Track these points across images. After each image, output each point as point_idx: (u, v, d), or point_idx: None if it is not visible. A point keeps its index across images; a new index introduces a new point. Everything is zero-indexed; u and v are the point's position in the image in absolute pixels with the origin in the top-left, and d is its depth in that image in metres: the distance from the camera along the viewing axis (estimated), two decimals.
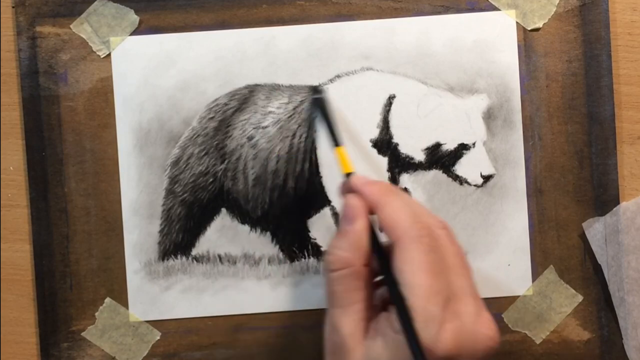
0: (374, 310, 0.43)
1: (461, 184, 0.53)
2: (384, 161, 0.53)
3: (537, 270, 0.53)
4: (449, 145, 0.53)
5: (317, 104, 0.52)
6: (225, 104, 0.53)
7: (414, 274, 0.40)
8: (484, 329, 0.41)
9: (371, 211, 0.44)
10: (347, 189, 0.45)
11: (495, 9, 0.53)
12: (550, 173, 0.53)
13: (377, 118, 0.53)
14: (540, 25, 0.53)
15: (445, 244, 0.43)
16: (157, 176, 0.53)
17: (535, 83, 0.53)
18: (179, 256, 0.53)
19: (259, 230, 0.53)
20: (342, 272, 0.42)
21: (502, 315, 0.53)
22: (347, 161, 0.47)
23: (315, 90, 0.53)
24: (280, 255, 0.53)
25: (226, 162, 0.53)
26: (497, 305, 0.53)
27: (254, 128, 0.53)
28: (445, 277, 0.41)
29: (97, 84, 0.53)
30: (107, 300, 0.53)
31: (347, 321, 0.42)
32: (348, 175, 0.46)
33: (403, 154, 0.53)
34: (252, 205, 0.53)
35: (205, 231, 0.53)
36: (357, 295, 0.42)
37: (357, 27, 0.53)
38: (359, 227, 0.43)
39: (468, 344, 0.40)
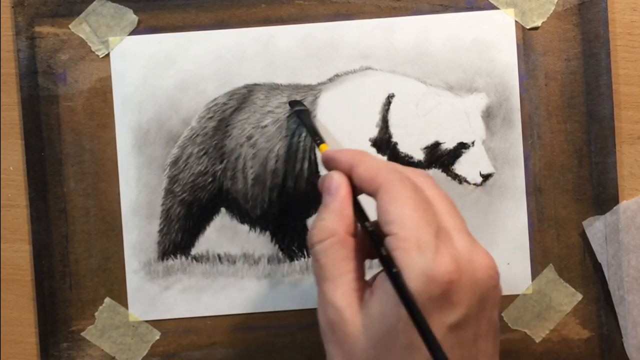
0: (366, 284, 0.41)
1: (460, 182, 0.53)
2: (383, 160, 0.53)
3: (536, 269, 0.53)
4: (448, 144, 0.53)
5: (299, 116, 0.52)
6: (224, 104, 0.53)
7: (402, 209, 0.39)
8: (481, 258, 0.39)
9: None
10: (326, 165, 0.44)
11: (494, 7, 0.53)
12: (550, 172, 0.53)
13: (376, 117, 0.53)
14: (539, 24, 0.53)
15: (430, 188, 0.41)
16: (156, 176, 0.53)
17: (534, 82, 0.53)
18: (178, 256, 0.53)
19: (258, 230, 0.53)
20: (327, 242, 0.40)
21: (502, 314, 0.53)
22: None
23: (294, 103, 0.52)
24: (280, 254, 0.53)
25: (225, 161, 0.53)
26: None
27: (253, 127, 0.53)
28: (434, 213, 0.40)
29: (96, 83, 0.53)
30: (107, 300, 0.53)
31: (340, 293, 0.40)
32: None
33: (402, 153, 0.53)
34: (252, 204, 0.53)
35: (204, 231, 0.53)
36: (346, 266, 0.40)
37: (356, 26, 0.53)
38: (341, 196, 0.42)
39: (467, 270, 0.38)
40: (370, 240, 0.41)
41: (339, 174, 0.42)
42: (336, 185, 0.42)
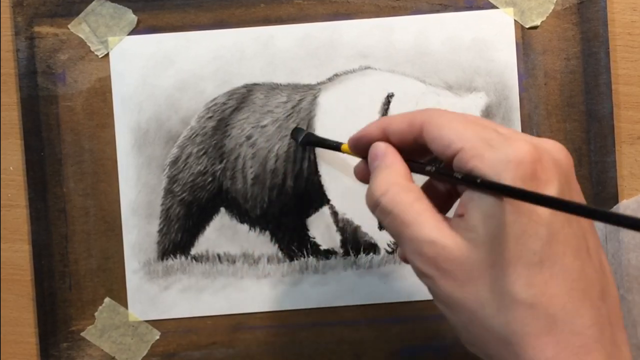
0: (447, 218, 0.38)
1: None
2: None
3: None
4: None
5: (307, 143, 0.52)
6: (224, 104, 0.53)
7: (455, 127, 0.37)
8: (551, 143, 0.38)
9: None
10: (359, 147, 0.43)
11: (493, 7, 0.53)
12: None
13: (376, 117, 0.53)
14: (538, 23, 0.53)
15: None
16: (155, 176, 0.53)
17: (534, 81, 0.53)
18: (178, 256, 0.53)
19: (258, 230, 0.53)
20: (392, 191, 0.38)
21: None
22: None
23: (295, 132, 0.53)
24: (280, 254, 0.53)
25: (225, 161, 0.53)
26: None
27: (252, 127, 0.53)
28: (486, 123, 0.38)
29: (96, 83, 0.53)
30: (107, 300, 0.53)
31: (428, 228, 0.37)
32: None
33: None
34: (251, 204, 0.53)
35: (204, 231, 0.53)
36: (421, 205, 0.38)
37: (355, 26, 0.53)
38: (390, 155, 0.40)
39: (544, 150, 0.36)
40: (440, 178, 0.39)
41: (380, 142, 0.41)
42: (382, 149, 0.41)
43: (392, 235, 0.39)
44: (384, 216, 0.39)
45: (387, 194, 0.38)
